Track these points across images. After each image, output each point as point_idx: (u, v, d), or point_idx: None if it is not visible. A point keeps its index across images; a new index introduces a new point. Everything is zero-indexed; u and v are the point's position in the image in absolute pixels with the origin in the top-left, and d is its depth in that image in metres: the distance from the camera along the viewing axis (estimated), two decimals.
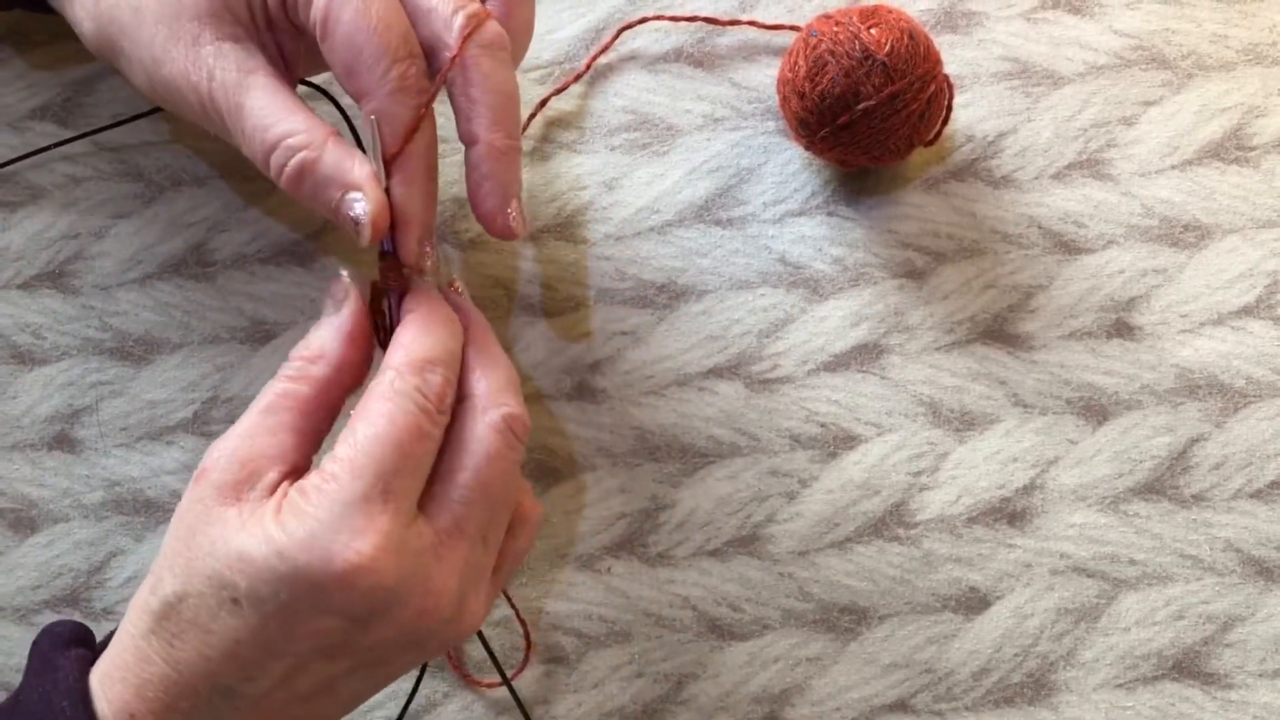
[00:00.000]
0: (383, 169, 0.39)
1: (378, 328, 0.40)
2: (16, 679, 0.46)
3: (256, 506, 0.35)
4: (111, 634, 0.40)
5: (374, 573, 0.34)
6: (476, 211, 0.41)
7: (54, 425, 0.48)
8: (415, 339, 0.38)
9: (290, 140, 0.39)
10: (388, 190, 0.39)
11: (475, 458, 0.37)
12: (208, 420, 0.48)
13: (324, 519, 0.34)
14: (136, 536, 0.47)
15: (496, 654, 0.45)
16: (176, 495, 0.47)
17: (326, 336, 0.39)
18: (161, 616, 0.36)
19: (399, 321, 0.39)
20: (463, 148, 0.40)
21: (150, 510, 0.47)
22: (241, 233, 0.50)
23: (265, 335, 0.49)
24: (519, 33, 0.43)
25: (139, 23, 0.40)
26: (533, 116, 0.51)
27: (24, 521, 0.47)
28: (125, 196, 0.50)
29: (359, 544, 0.34)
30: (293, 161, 0.39)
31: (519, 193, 0.41)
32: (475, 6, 0.39)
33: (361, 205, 0.38)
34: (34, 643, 0.39)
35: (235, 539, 0.35)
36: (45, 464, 0.48)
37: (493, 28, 0.39)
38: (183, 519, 0.37)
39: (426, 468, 0.36)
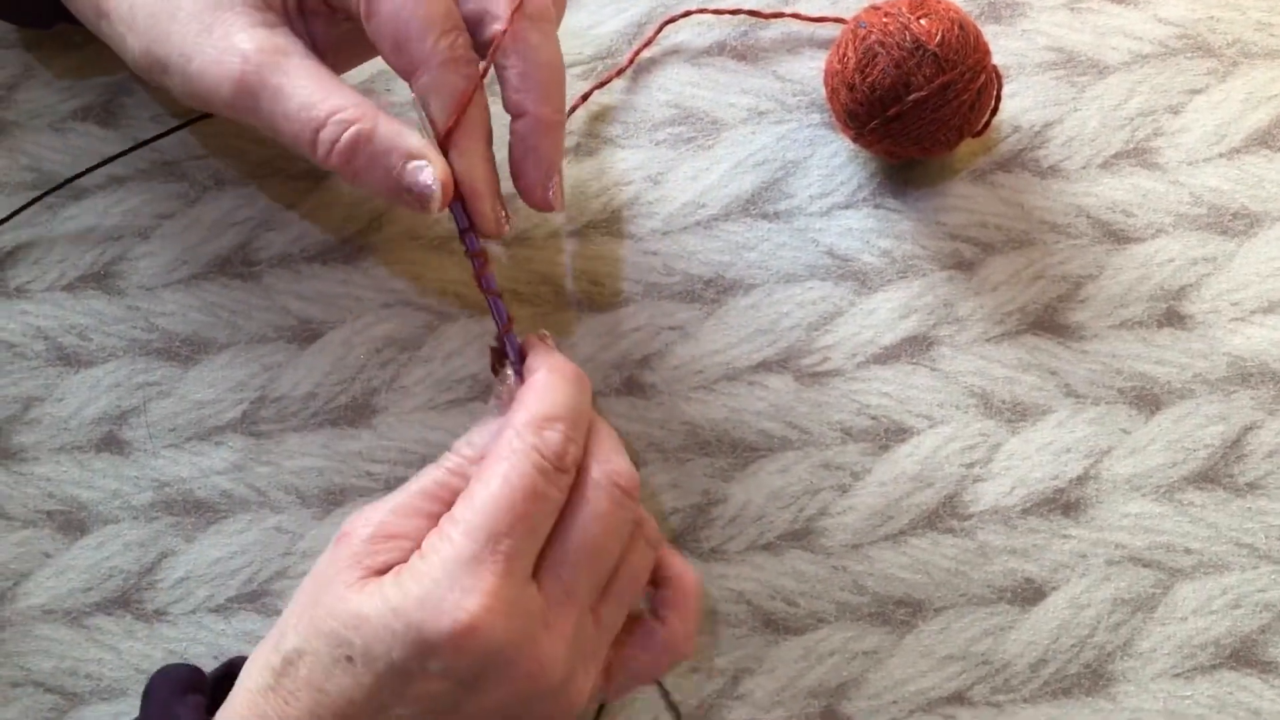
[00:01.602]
0: (437, 144, 0.39)
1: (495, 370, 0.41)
2: (69, 683, 0.46)
3: (381, 573, 0.36)
4: (221, 672, 0.41)
5: (483, 632, 0.34)
6: (519, 183, 0.41)
7: (102, 427, 0.48)
8: (537, 397, 0.38)
9: (340, 114, 0.38)
10: (453, 164, 0.39)
11: (582, 519, 0.37)
12: (256, 420, 0.48)
13: (437, 578, 0.35)
14: (187, 537, 0.47)
15: None
16: (227, 495, 0.47)
17: (491, 439, 0.38)
18: (280, 673, 0.36)
19: (519, 376, 0.40)
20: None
21: (200, 511, 0.47)
22: (286, 232, 0.50)
23: (312, 334, 0.49)
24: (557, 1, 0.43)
25: (174, 22, 0.40)
26: (574, 110, 0.51)
27: (74, 523, 0.47)
28: (169, 196, 0.50)
29: (468, 603, 0.34)
30: (346, 135, 0.38)
31: (560, 166, 0.41)
32: None
33: (429, 170, 0.38)
34: (148, 689, 0.39)
35: (354, 600, 0.35)
36: (94, 466, 0.48)
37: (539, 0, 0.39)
38: (315, 578, 0.37)
39: (543, 529, 0.36)
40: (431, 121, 0.39)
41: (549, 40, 0.40)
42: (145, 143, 0.48)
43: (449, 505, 0.37)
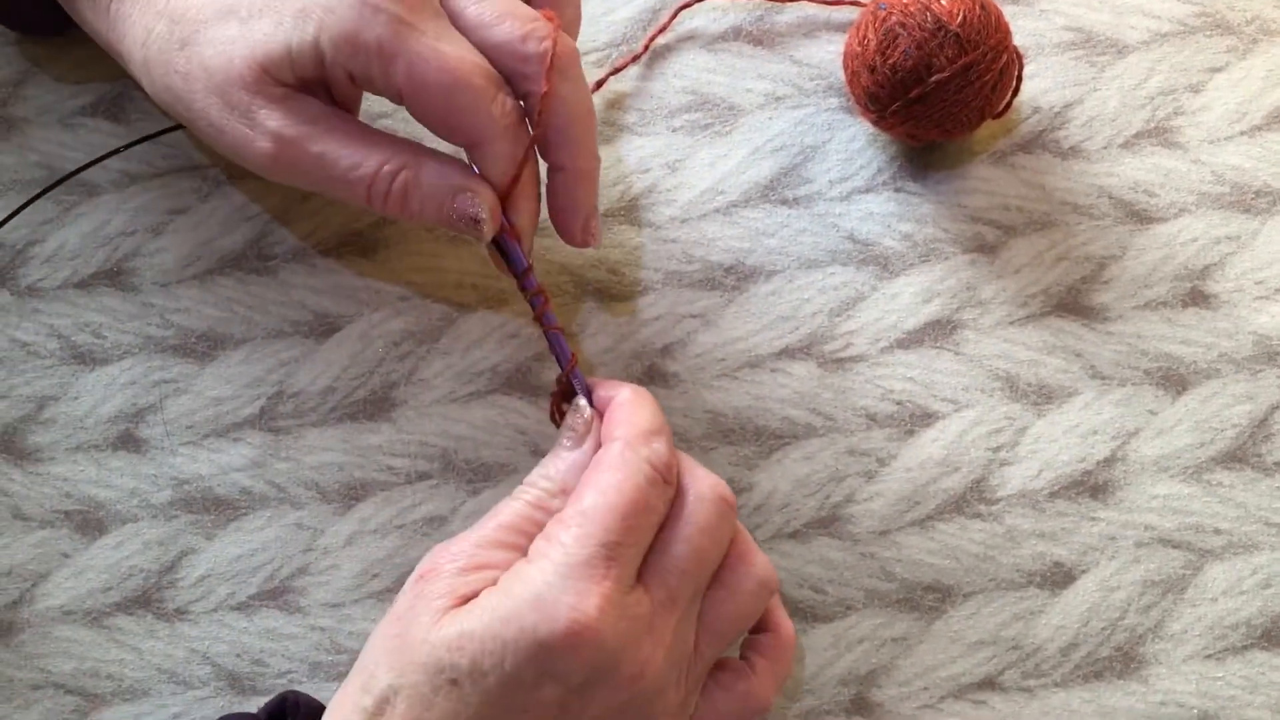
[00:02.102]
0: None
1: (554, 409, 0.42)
2: (90, 684, 0.45)
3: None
4: (274, 707, 0.40)
5: (597, 633, 0.34)
6: (557, 226, 0.42)
7: (118, 425, 0.47)
8: (634, 412, 0.39)
9: (386, 168, 0.39)
10: (509, 219, 0.40)
11: (688, 530, 0.37)
12: (274, 416, 0.47)
13: (550, 581, 0.35)
14: (207, 535, 0.46)
15: None
16: (247, 492, 0.47)
17: (570, 471, 0.39)
18: (374, 713, 0.35)
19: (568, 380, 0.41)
20: None
21: (220, 508, 0.47)
22: (300, 225, 0.49)
23: (329, 328, 0.48)
24: (571, 26, 0.43)
25: (191, 92, 0.40)
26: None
27: (92, 523, 0.47)
28: (181, 191, 0.49)
29: (585, 604, 0.34)
30: (396, 183, 0.39)
31: (597, 207, 0.42)
32: (540, 26, 0.39)
33: (478, 201, 0.39)
34: None
35: (454, 622, 0.35)
36: (111, 464, 0.47)
37: (564, 45, 0.39)
38: (400, 616, 0.37)
39: (648, 539, 0.37)
40: (490, 182, 0.40)
41: (579, 89, 0.40)
42: (149, 138, 0.47)
43: (530, 537, 0.37)
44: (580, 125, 0.40)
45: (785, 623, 0.41)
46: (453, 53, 0.37)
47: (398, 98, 0.38)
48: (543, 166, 0.42)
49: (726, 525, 0.38)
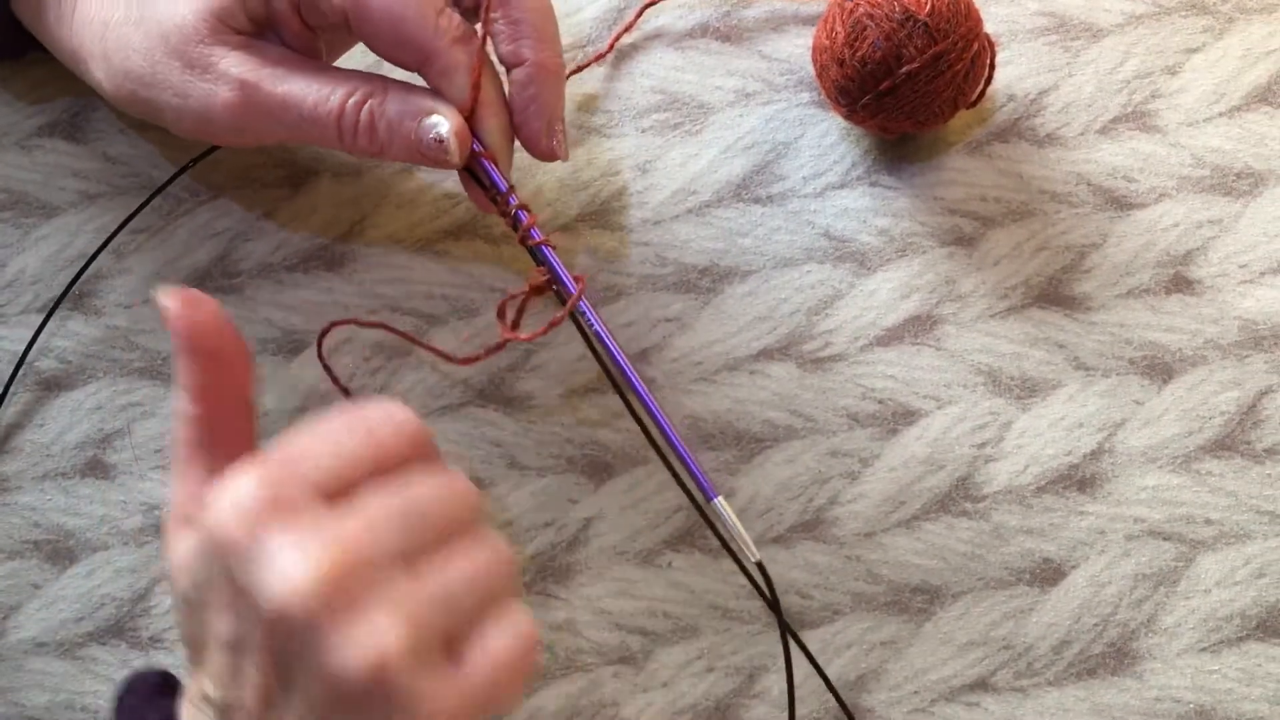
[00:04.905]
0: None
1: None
2: (65, 717, 0.44)
3: None
4: None
5: None
6: (521, 134, 0.41)
7: (85, 451, 0.47)
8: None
9: (351, 100, 0.39)
10: (479, 136, 0.39)
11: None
12: None
13: None
14: None
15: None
16: None
17: None
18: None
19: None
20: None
21: None
22: (265, 241, 0.48)
23: (297, 345, 0.47)
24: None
25: (152, 66, 0.40)
26: None
27: (61, 552, 0.46)
28: (144, 211, 0.48)
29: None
30: (363, 114, 0.39)
31: (562, 114, 0.41)
32: None
33: (443, 125, 0.38)
34: (118, 696, 0.37)
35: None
36: (79, 492, 0.46)
37: None
38: None
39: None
40: (452, 104, 0.39)
41: None
42: (161, 189, 0.47)
43: None
44: (534, 15, 0.39)
45: None
46: None
47: (343, 20, 0.38)
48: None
49: None
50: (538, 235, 0.40)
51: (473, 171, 0.40)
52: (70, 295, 0.48)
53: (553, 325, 0.40)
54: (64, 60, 0.44)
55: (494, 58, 0.41)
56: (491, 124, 0.39)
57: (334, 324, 0.44)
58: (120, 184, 0.48)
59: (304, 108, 0.39)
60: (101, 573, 0.46)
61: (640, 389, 0.40)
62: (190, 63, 0.39)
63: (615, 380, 0.40)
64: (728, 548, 0.39)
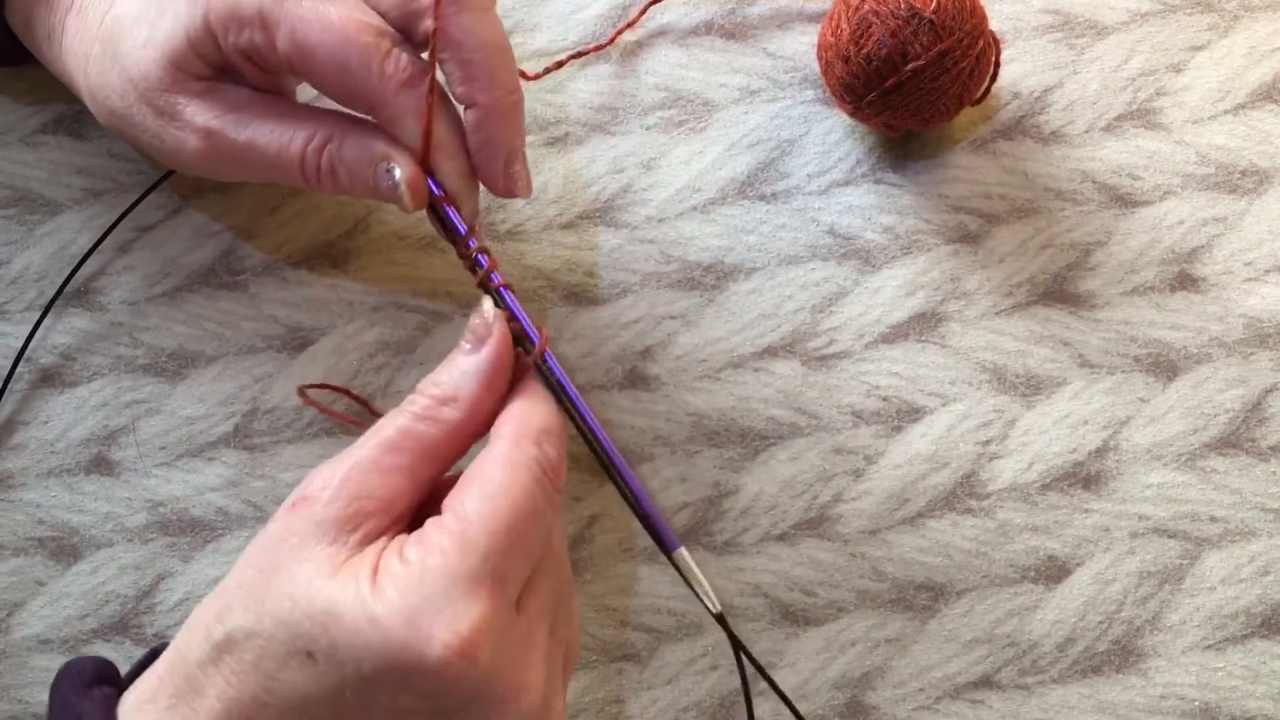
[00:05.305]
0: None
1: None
2: None
3: (353, 555, 0.32)
4: (141, 663, 0.36)
5: (471, 662, 0.31)
6: (479, 173, 0.39)
7: (90, 448, 0.47)
8: (528, 409, 0.35)
9: (311, 145, 0.38)
10: (436, 180, 0.38)
11: (560, 542, 0.35)
12: (249, 433, 0.46)
13: (426, 594, 0.31)
14: (184, 557, 0.46)
15: None
16: (223, 512, 0.46)
17: (464, 377, 0.35)
18: (223, 649, 0.32)
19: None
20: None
21: (196, 529, 0.46)
22: (270, 238, 0.48)
23: (302, 342, 0.47)
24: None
25: (128, 108, 0.40)
26: (538, 78, 0.49)
27: (66, 549, 0.46)
28: (147, 207, 0.48)
29: (460, 627, 0.31)
30: (323, 159, 0.38)
31: (523, 148, 0.39)
32: None
33: (396, 170, 0.38)
34: (53, 685, 0.35)
35: (326, 589, 0.31)
36: (84, 489, 0.46)
37: None
38: (268, 548, 0.33)
39: (537, 551, 0.33)
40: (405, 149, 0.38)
41: (484, 21, 0.37)
42: (154, 187, 0.47)
43: (420, 457, 0.34)
44: (483, 55, 0.37)
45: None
46: (337, 12, 0.36)
47: (291, 67, 0.38)
48: None
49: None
50: (497, 279, 0.38)
51: (435, 210, 0.39)
52: (74, 292, 0.48)
53: (515, 380, 0.37)
54: (57, 77, 0.44)
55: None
56: (447, 167, 0.38)
57: (306, 387, 0.45)
58: (124, 181, 0.48)
59: (267, 154, 0.38)
60: (106, 570, 0.46)
61: (606, 443, 0.38)
62: (159, 110, 0.39)
63: (584, 433, 0.38)
64: (696, 592, 0.38)
